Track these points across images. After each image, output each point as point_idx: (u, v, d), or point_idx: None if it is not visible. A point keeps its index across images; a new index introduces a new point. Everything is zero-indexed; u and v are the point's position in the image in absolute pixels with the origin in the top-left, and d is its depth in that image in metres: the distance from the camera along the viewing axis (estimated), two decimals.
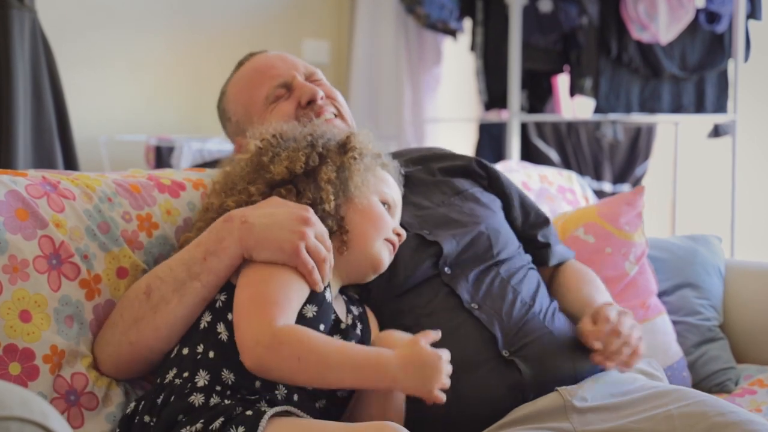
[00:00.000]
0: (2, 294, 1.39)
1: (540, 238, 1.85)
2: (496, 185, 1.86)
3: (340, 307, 1.49)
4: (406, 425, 1.40)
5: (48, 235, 1.47)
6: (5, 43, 2.57)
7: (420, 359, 1.30)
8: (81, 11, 3.43)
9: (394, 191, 1.58)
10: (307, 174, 1.49)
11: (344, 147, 1.53)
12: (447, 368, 1.31)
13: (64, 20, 3.30)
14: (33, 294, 1.42)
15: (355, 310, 1.52)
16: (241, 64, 1.84)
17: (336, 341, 1.36)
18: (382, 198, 1.54)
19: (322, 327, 1.38)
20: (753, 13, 3.94)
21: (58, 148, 2.69)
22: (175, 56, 3.72)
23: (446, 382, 1.31)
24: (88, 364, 1.46)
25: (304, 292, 1.38)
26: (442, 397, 1.30)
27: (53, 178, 1.56)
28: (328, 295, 1.42)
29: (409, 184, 1.79)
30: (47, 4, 2.95)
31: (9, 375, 1.37)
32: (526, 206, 1.88)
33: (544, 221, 1.88)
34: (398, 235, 1.53)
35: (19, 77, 2.58)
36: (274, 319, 1.31)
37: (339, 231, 1.49)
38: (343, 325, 1.44)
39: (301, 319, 1.37)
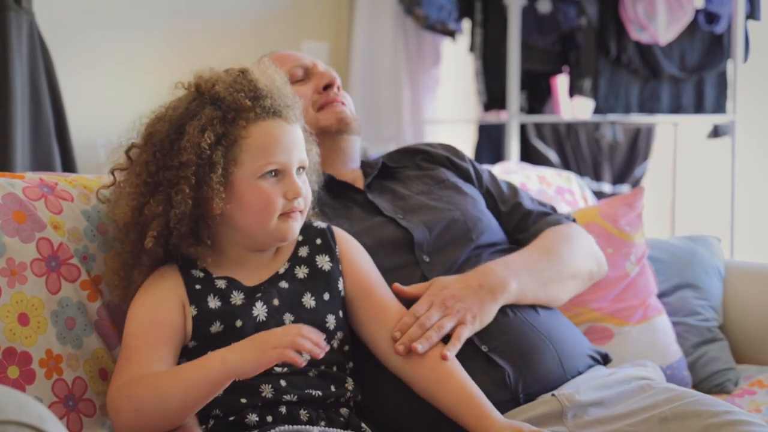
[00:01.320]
0: (1, 297, 1.39)
1: (524, 229, 1.82)
2: (469, 180, 1.86)
3: (273, 262, 1.48)
4: (394, 426, 1.40)
5: (46, 237, 1.47)
6: (3, 45, 2.56)
7: (256, 336, 1.29)
8: (79, 13, 3.43)
9: (277, 152, 1.42)
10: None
11: (196, 151, 1.40)
12: (296, 331, 1.27)
13: (62, 22, 3.30)
14: (31, 297, 1.42)
15: (305, 251, 1.49)
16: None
17: (166, 374, 1.33)
18: (261, 172, 1.41)
19: (214, 326, 1.40)
20: (752, 13, 3.94)
21: (56, 150, 2.69)
22: (174, 58, 3.71)
23: (299, 343, 1.26)
24: (89, 367, 1.46)
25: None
26: (294, 357, 1.26)
27: (51, 180, 1.56)
28: (212, 303, 1.41)
29: (395, 176, 1.80)
30: (45, 7, 2.95)
31: (8, 378, 1.37)
32: (498, 187, 1.87)
33: (523, 211, 1.84)
34: (295, 197, 1.43)
35: (17, 80, 2.58)
36: (113, 384, 1.35)
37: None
38: (258, 294, 1.43)
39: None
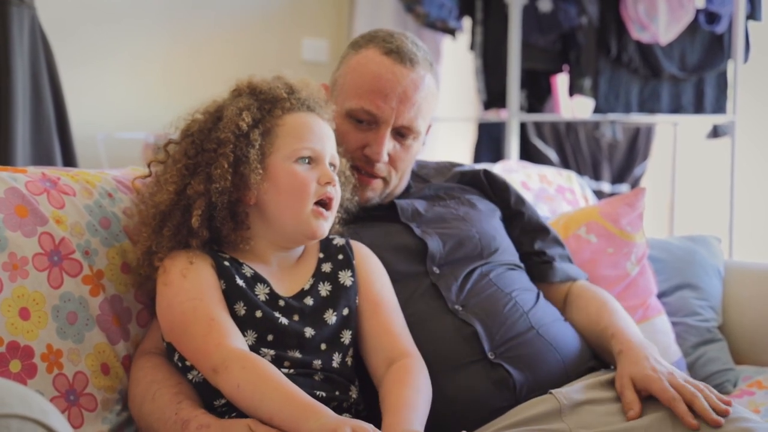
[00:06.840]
0: (2, 291, 1.39)
1: (544, 249, 1.83)
2: (500, 194, 1.86)
3: (296, 274, 1.49)
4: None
5: (48, 231, 1.47)
6: (4, 40, 2.57)
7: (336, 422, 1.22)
8: (80, 8, 3.43)
9: (311, 139, 1.48)
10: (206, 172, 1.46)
11: (234, 130, 1.46)
12: None
13: (63, 17, 3.30)
14: (32, 292, 1.42)
15: (328, 267, 1.51)
16: (370, 40, 1.73)
17: (283, 381, 1.31)
18: (296, 156, 1.46)
19: (238, 305, 1.40)
20: (753, 13, 3.94)
21: (57, 145, 2.69)
22: (174, 53, 3.72)
23: None
24: (91, 362, 1.46)
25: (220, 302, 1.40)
26: None
27: (53, 175, 1.56)
28: (240, 281, 1.42)
29: (408, 190, 1.80)
30: (46, 1, 2.95)
31: (9, 372, 1.36)
32: (532, 219, 1.87)
33: (547, 233, 1.85)
34: (328, 183, 1.46)
35: (18, 74, 2.58)
36: (218, 341, 1.34)
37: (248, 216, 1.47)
38: (281, 302, 1.44)
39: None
